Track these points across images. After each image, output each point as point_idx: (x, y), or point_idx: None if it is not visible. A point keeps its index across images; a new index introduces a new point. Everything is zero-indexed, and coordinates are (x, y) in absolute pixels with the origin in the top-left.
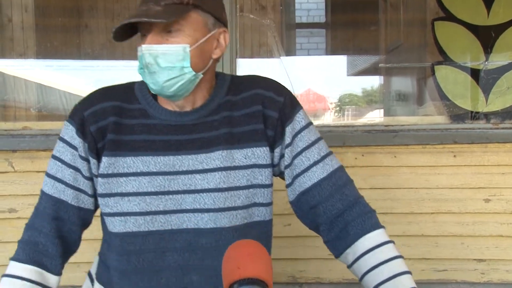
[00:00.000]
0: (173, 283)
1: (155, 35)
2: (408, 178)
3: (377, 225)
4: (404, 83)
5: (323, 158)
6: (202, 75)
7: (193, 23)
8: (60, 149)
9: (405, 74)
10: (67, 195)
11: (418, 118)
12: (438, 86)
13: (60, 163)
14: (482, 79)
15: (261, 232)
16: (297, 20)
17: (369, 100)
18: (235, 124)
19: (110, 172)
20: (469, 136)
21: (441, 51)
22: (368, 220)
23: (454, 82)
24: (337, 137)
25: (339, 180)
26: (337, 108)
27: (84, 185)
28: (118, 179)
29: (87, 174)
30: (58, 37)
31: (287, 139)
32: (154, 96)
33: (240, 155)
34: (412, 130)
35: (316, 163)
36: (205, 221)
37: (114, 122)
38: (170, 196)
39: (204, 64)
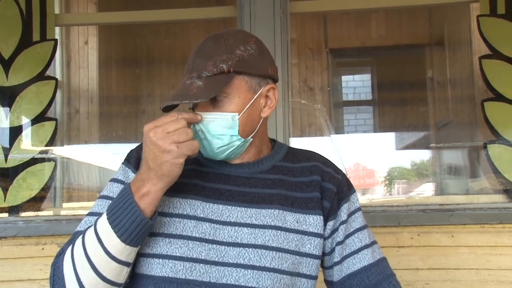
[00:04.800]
0: None
1: (204, 105)
2: (468, 259)
3: None
4: (454, 157)
5: (373, 244)
6: (251, 139)
7: (238, 89)
8: (112, 189)
9: (455, 148)
10: None
11: (474, 197)
12: (492, 164)
13: (108, 201)
14: None
15: None
16: (344, 98)
17: (418, 173)
18: (290, 189)
19: None
20: None
21: (493, 130)
22: None
23: (509, 161)
24: (391, 217)
25: (386, 269)
26: (387, 182)
27: None
28: (162, 219)
29: None
30: (119, 123)
31: (343, 216)
32: None
33: (292, 219)
34: (469, 209)
35: (366, 246)
36: (247, 279)
37: None
38: (214, 246)
39: (253, 127)
